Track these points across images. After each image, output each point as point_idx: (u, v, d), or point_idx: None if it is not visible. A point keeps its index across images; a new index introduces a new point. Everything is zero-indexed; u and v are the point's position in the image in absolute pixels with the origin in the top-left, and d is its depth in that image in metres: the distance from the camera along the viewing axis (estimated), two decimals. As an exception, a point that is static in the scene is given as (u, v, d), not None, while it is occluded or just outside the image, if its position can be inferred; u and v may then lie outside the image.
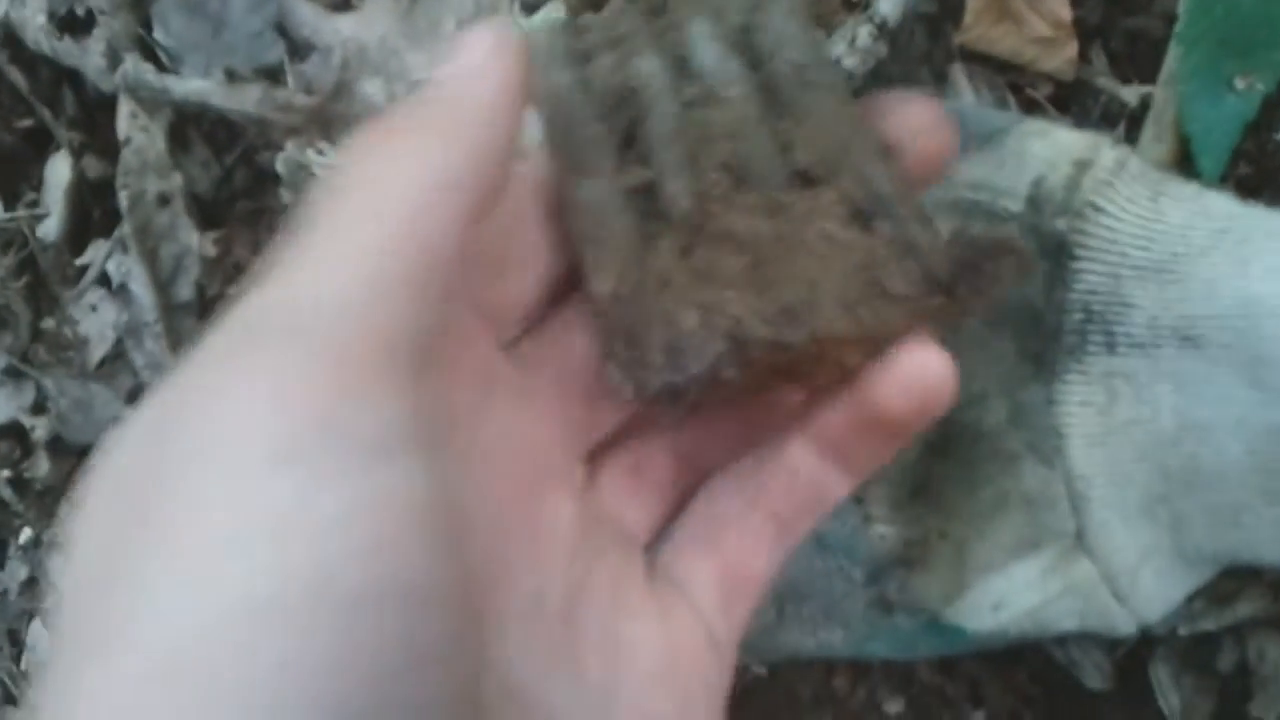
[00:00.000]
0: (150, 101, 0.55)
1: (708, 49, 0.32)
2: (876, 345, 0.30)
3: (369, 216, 0.25)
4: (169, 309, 0.57)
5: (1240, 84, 0.45)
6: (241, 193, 0.61)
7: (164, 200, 0.56)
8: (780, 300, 0.29)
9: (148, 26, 0.58)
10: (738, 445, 0.33)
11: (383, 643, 0.21)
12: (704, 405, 0.30)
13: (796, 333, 0.29)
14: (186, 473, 0.21)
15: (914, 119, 0.32)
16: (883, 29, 0.47)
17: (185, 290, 0.57)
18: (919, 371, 0.29)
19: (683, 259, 0.30)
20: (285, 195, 0.57)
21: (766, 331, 0.29)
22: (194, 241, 0.57)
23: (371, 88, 0.55)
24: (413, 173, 0.25)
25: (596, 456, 0.33)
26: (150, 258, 0.56)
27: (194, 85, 0.54)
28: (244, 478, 0.21)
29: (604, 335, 0.31)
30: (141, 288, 0.56)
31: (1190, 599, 0.43)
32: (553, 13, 0.52)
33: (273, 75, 0.58)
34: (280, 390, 0.21)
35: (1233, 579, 0.45)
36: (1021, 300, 0.41)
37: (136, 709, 0.19)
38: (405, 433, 0.22)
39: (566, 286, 0.32)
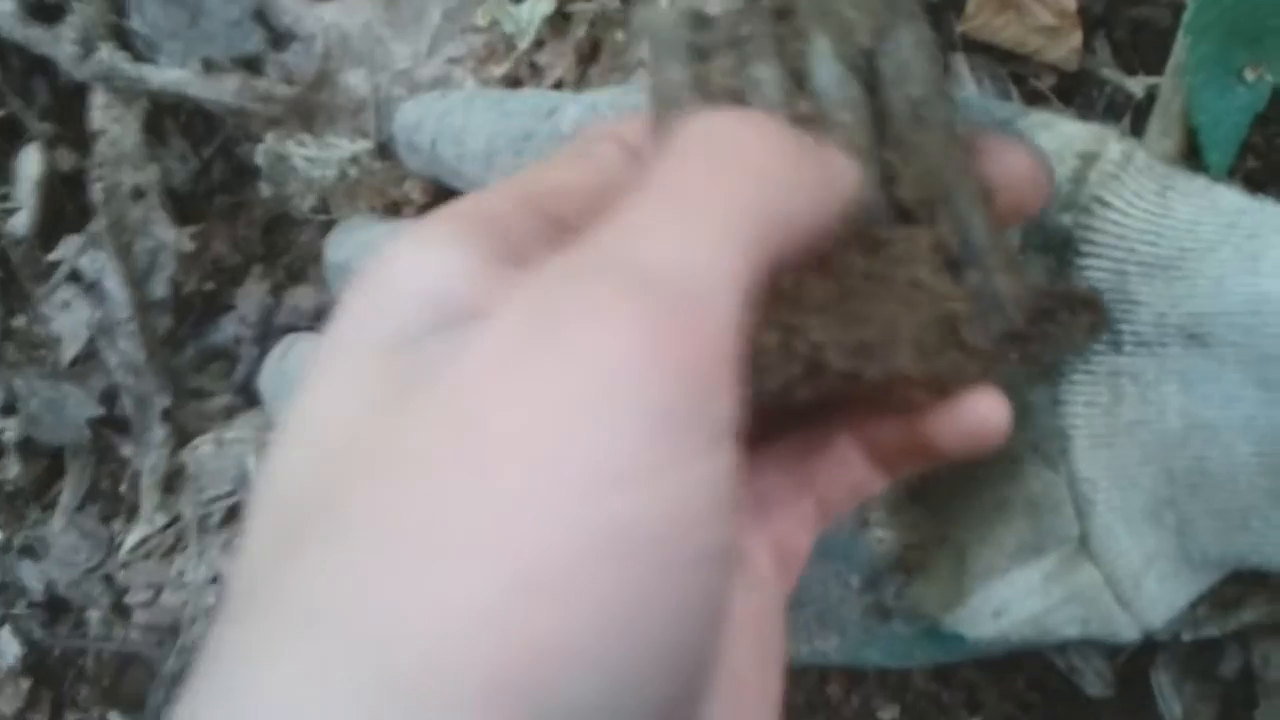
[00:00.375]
0: (125, 92, 0.54)
1: (828, 68, 0.32)
2: (944, 388, 0.31)
3: (748, 202, 0.25)
4: (143, 307, 0.55)
5: (1250, 75, 0.44)
6: (220, 186, 0.60)
7: (139, 194, 0.54)
8: (860, 336, 0.30)
9: (123, 13, 0.56)
10: (784, 424, 0.34)
11: (711, 604, 0.22)
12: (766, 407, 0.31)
13: (871, 370, 0.30)
14: (554, 406, 0.21)
15: (1012, 164, 0.33)
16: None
17: (160, 287, 0.56)
18: (979, 418, 0.31)
19: (772, 281, 0.30)
20: (265, 188, 0.56)
21: (842, 364, 0.30)
22: (170, 237, 0.55)
23: (354, 78, 0.54)
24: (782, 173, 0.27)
25: None
26: (124, 253, 0.54)
27: (171, 75, 0.53)
28: (621, 428, 0.21)
29: None
30: (115, 285, 0.54)
31: (1194, 604, 0.42)
32: (540, 2, 0.51)
33: (252, 64, 0.57)
34: (672, 359, 0.22)
35: (1237, 584, 0.44)
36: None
37: (485, 611, 0.20)
38: (736, 423, 0.23)
39: None
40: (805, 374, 0.30)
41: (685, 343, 0.22)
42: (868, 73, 0.32)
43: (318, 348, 0.27)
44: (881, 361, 0.30)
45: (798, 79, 0.32)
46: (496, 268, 0.25)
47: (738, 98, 0.32)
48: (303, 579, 0.21)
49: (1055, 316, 0.32)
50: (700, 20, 0.33)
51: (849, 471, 0.33)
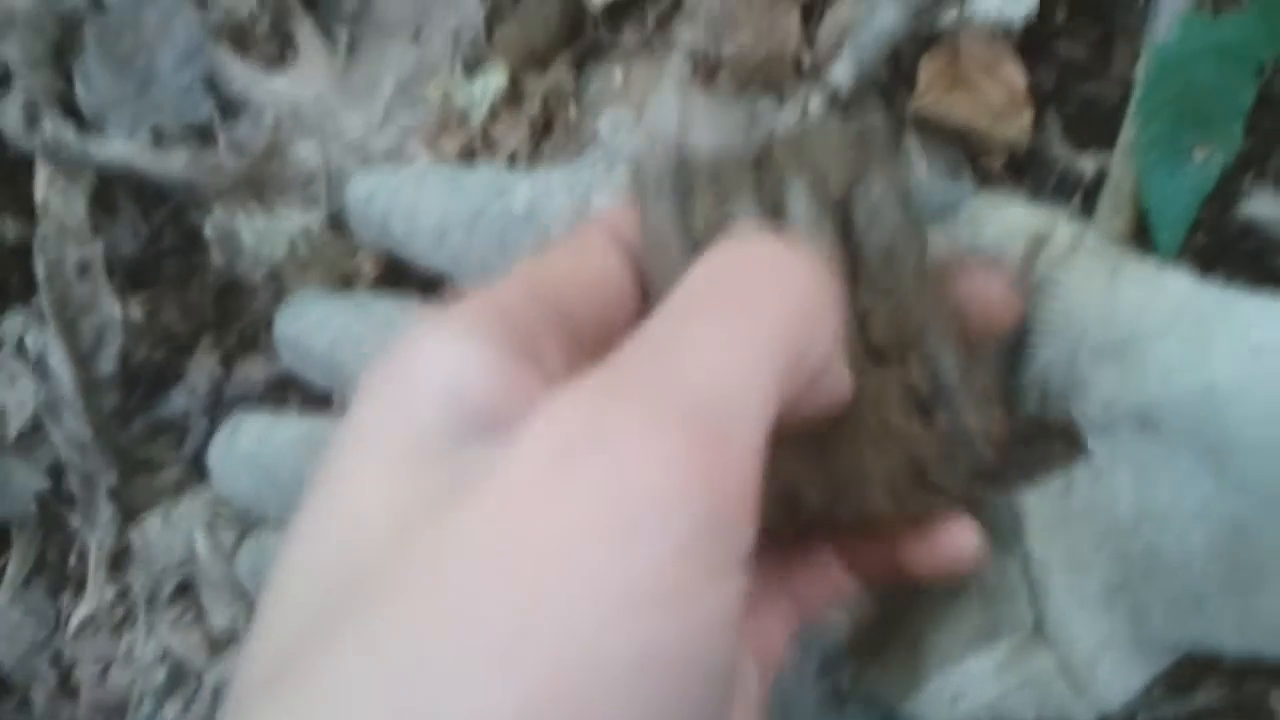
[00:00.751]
0: (70, 165, 0.53)
1: (803, 205, 0.33)
2: (918, 520, 0.33)
3: (769, 332, 0.26)
4: (89, 384, 0.55)
5: (1199, 155, 0.44)
6: (170, 252, 0.59)
7: (84, 269, 0.53)
8: (833, 477, 0.32)
9: (70, 82, 0.56)
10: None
11: (712, 714, 0.23)
12: None
13: (843, 507, 0.32)
14: (592, 523, 0.22)
15: (984, 286, 0.35)
16: (835, 97, 0.46)
17: (107, 364, 0.55)
18: (952, 545, 0.33)
19: None
20: (216, 257, 0.55)
21: (817, 500, 0.32)
22: (116, 312, 0.54)
23: (306, 149, 0.54)
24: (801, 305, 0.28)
25: None
26: (69, 330, 0.53)
27: (117, 148, 0.53)
28: (658, 546, 0.22)
29: None
30: (59, 363, 0.53)
31: (1149, 687, 0.42)
32: (493, 76, 0.51)
33: (203, 133, 0.56)
34: (703, 482, 0.23)
35: (1192, 667, 0.44)
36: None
37: None
38: (750, 551, 0.24)
39: None
40: (784, 509, 0.32)
41: (718, 469, 0.23)
42: (841, 216, 0.34)
43: (335, 435, 0.27)
44: (855, 501, 0.32)
45: (776, 214, 0.33)
46: (513, 363, 0.26)
47: (719, 231, 0.33)
48: (334, 673, 0.21)
49: (1031, 445, 0.35)
50: (681, 164, 0.34)
51: (827, 576, 0.35)
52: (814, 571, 0.35)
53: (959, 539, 0.33)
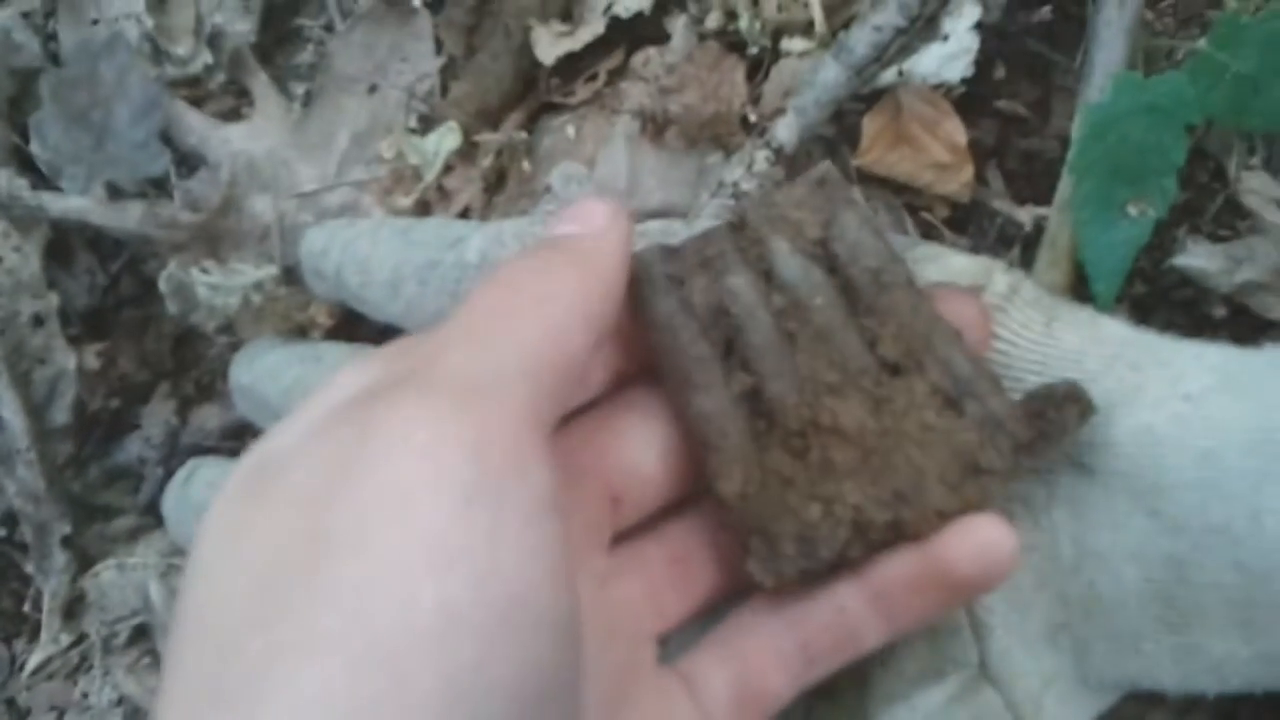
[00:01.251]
0: (24, 220, 0.53)
1: (790, 264, 0.37)
2: (979, 506, 0.35)
3: (528, 322, 0.30)
4: (42, 435, 0.54)
5: (1133, 210, 0.45)
6: (127, 301, 0.59)
7: (38, 321, 0.53)
8: (892, 486, 0.35)
9: (25, 137, 0.56)
10: None
11: (551, 664, 0.25)
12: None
13: (911, 513, 0.34)
14: (380, 502, 0.25)
15: (960, 309, 0.37)
16: (779, 153, 0.47)
17: (61, 414, 0.55)
18: (992, 543, 0.34)
19: (799, 457, 0.36)
20: (170, 308, 0.55)
21: (884, 515, 0.34)
22: (70, 363, 0.54)
23: (260, 203, 0.54)
24: (558, 299, 0.31)
25: (627, 539, 0.38)
26: (22, 382, 0.53)
27: (72, 203, 0.53)
28: (440, 510, 0.25)
29: (738, 533, 0.36)
30: (12, 414, 0.53)
31: (1094, 724, 0.42)
32: (446, 135, 0.51)
33: (159, 186, 0.56)
34: (470, 442, 0.26)
35: (1136, 703, 0.45)
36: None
37: (339, 696, 0.22)
38: (553, 498, 0.27)
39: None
40: (853, 535, 0.34)
41: (476, 430, 0.26)
42: (826, 257, 0.37)
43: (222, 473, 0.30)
44: (918, 504, 0.34)
45: (768, 278, 0.37)
46: None
47: (720, 309, 0.37)
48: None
49: (1046, 416, 0.35)
50: (669, 251, 0.38)
51: (846, 618, 0.36)
52: (832, 615, 0.36)
53: (999, 537, 0.34)
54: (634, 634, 0.36)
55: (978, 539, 0.34)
